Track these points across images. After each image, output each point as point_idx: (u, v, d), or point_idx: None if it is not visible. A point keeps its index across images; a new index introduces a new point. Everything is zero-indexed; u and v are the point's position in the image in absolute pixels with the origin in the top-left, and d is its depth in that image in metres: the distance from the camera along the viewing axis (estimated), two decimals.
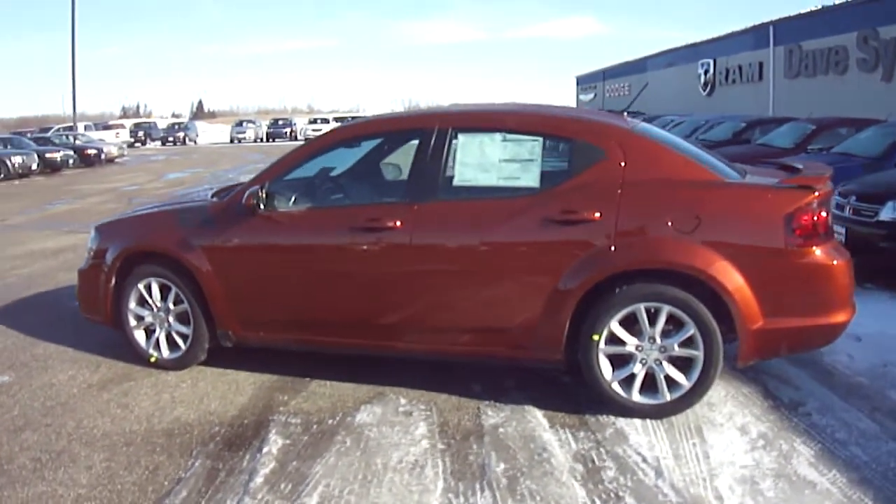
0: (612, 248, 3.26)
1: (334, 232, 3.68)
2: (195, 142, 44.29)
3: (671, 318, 3.27)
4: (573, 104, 43.71)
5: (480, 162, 3.57)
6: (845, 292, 3.28)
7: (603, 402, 3.43)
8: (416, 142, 3.67)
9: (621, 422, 3.34)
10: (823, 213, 3.25)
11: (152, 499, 2.81)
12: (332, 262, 3.72)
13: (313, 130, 38.35)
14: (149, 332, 4.21)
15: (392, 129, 3.86)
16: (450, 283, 3.54)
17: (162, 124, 50.55)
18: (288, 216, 3.78)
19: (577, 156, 3.48)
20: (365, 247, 3.61)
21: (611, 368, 3.37)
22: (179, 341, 4.12)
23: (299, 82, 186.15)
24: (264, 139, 42.81)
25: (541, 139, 3.52)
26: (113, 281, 4.18)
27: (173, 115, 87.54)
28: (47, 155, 21.73)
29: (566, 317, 3.35)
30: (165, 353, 4.16)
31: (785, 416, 3.38)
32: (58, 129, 35.59)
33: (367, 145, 4.19)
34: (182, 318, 4.08)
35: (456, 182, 3.57)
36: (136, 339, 4.21)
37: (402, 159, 4.15)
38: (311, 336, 3.88)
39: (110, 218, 4.84)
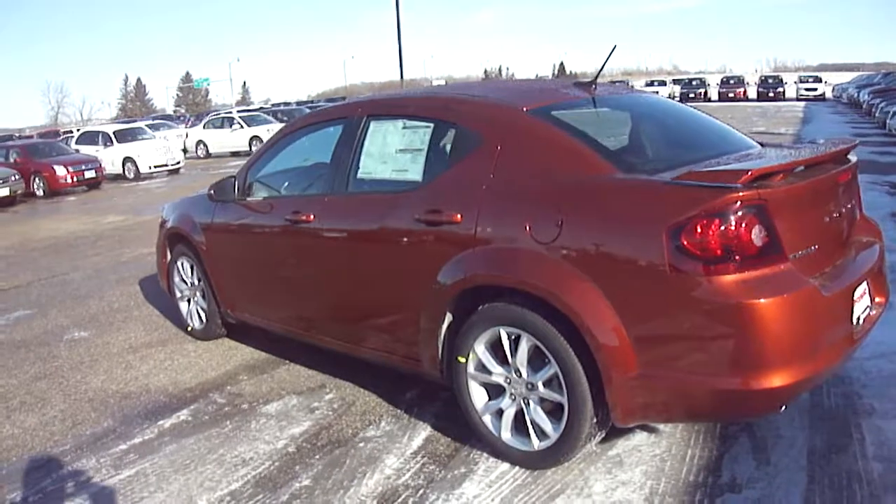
0: (470, 258, 2.89)
1: (272, 222, 3.94)
2: None
3: (539, 351, 2.77)
4: None
5: (381, 152, 3.45)
6: (777, 345, 2.36)
7: (477, 437, 3.09)
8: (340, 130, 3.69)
9: (490, 465, 2.99)
10: (746, 225, 2.36)
11: (64, 441, 3.51)
12: (271, 251, 4.01)
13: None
14: (188, 304, 5.01)
15: (328, 119, 3.88)
16: (348, 282, 3.53)
17: None
18: (249, 205, 4.15)
19: (457, 144, 3.12)
20: (289, 237, 3.80)
21: (486, 398, 3.01)
22: (203, 315, 4.83)
23: (662, 44, 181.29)
24: None
25: (432, 126, 3.23)
26: (167, 256, 5.06)
27: (535, 78, 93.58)
28: None
29: (437, 331, 3.09)
30: (196, 324, 4.93)
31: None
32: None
33: (320, 135, 4.27)
34: (204, 295, 4.78)
35: (360, 174, 3.50)
36: (180, 310, 5.06)
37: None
38: (270, 322, 4.22)
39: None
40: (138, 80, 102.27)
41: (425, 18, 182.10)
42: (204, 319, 4.83)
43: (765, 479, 2.72)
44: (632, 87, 4.78)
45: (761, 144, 3.42)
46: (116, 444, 3.46)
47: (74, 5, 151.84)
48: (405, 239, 3.15)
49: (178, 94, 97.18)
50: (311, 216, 3.61)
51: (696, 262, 2.36)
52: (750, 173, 2.38)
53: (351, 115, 3.64)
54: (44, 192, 16.49)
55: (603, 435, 2.83)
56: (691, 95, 39.35)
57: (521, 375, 2.84)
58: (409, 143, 3.31)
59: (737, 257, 2.36)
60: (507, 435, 2.93)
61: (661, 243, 2.40)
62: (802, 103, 34.31)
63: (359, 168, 3.50)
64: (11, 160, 16.78)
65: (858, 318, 2.74)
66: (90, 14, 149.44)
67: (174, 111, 71.76)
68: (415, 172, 3.22)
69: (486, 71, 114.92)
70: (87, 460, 3.32)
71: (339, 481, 2.94)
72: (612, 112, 3.40)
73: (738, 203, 2.36)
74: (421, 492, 2.82)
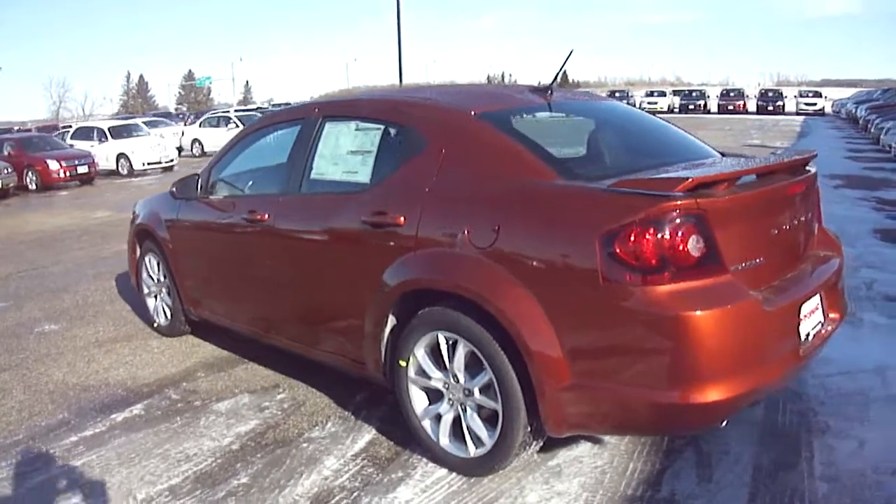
0: (411, 261, 2.93)
1: (231, 220, 3.98)
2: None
3: (476, 357, 2.80)
4: None
5: (334, 153, 3.50)
6: (713, 359, 2.34)
7: (417, 442, 3.13)
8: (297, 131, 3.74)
9: (427, 470, 3.02)
10: (682, 235, 2.35)
11: (17, 432, 3.58)
12: (229, 250, 4.06)
13: (649, 103, 38.47)
14: (155, 300, 5.05)
15: (288, 119, 3.93)
16: (298, 283, 3.58)
17: None
18: (211, 203, 4.20)
19: (404, 146, 3.16)
20: (245, 237, 3.85)
21: (426, 403, 3.06)
22: (168, 312, 4.88)
23: (664, 55, 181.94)
24: None
25: (382, 128, 3.28)
26: (136, 252, 5.11)
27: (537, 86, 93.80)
28: None
29: (381, 334, 3.13)
30: (162, 321, 4.97)
31: None
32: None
33: (280, 135, 4.32)
34: (169, 292, 4.82)
35: (313, 175, 3.55)
36: (147, 306, 5.10)
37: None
38: (229, 321, 4.27)
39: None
40: (140, 76, 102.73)
41: (428, 23, 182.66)
42: (169, 316, 4.88)
43: (705, 495, 2.71)
44: (592, 93, 4.82)
45: (722, 154, 3.44)
46: (68, 435, 3.51)
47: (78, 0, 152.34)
48: (351, 241, 3.20)
49: (180, 92, 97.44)
50: (266, 216, 3.66)
51: (630, 272, 2.35)
52: (687, 182, 2.35)
53: (308, 115, 3.70)
54: (36, 185, 16.55)
55: (539, 444, 2.84)
56: (691, 107, 39.46)
57: (458, 381, 2.88)
58: (361, 144, 3.36)
59: (672, 268, 2.34)
60: (445, 440, 2.97)
61: (594, 251, 2.40)
62: (801, 118, 34.39)
63: (312, 168, 3.54)
64: (5, 153, 16.85)
65: (808, 334, 2.73)
66: (93, 9, 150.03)
67: (176, 109, 71.93)
68: (364, 174, 3.27)
69: (488, 76, 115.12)
70: (37, 451, 3.36)
71: (277, 480, 2.98)
72: (567, 118, 3.44)
73: (675, 212, 2.34)
74: (355, 494, 2.86)
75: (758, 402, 3.14)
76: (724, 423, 2.63)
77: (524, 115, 3.21)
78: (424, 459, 3.09)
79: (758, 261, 2.60)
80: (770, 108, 37.77)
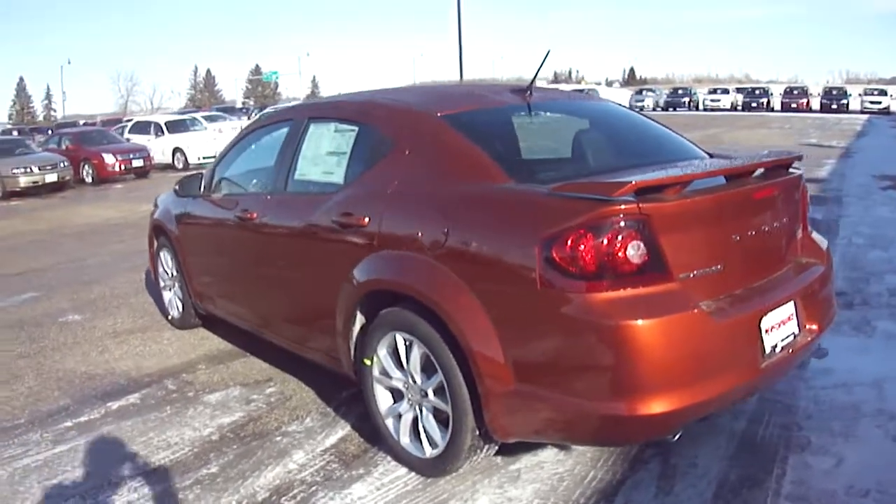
0: (372, 262, 3.01)
1: (227, 218, 4.13)
2: None
3: (430, 358, 2.85)
4: None
5: (315, 154, 3.60)
6: (653, 370, 2.30)
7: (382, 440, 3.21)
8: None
9: (388, 468, 3.09)
10: (622, 241, 2.30)
11: (20, 416, 3.82)
12: (226, 246, 4.21)
13: (712, 101, 37.82)
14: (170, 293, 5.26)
15: (281, 120, 4.02)
16: (283, 280, 3.69)
17: (566, 90, 53.92)
18: (213, 201, 4.36)
19: (373, 148, 3.23)
20: (238, 233, 3.99)
21: (390, 401, 3.13)
22: (181, 305, 5.09)
23: (733, 52, 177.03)
24: (663, 108, 42.79)
25: (356, 129, 3.36)
26: (154, 245, 5.34)
27: (605, 83, 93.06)
28: None
29: (349, 333, 3.22)
30: (175, 313, 5.19)
31: None
32: None
33: (275, 135, 4.43)
34: (181, 285, 5.02)
35: (297, 175, 3.66)
36: (163, 299, 5.32)
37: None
38: (228, 315, 4.43)
39: None
40: (208, 71, 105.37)
41: (496, 19, 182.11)
42: (181, 309, 5.08)
43: None
44: (580, 93, 4.79)
45: (710, 154, 3.38)
46: (64, 421, 3.72)
47: None
48: (324, 240, 3.29)
49: (247, 87, 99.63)
50: (255, 214, 3.79)
51: (568, 278, 2.33)
52: (628, 186, 2.30)
53: (297, 116, 3.81)
54: (92, 179, 17.29)
55: (492, 449, 2.86)
56: (753, 105, 38.55)
57: (415, 382, 2.94)
58: (337, 146, 3.45)
59: (611, 275, 2.30)
60: (405, 440, 3.03)
61: (533, 256, 2.38)
62: (865, 116, 33.00)
63: (297, 169, 3.65)
64: (63, 147, 17.67)
65: (774, 346, 2.65)
66: (162, 3, 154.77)
67: (243, 103, 73.68)
68: (338, 175, 3.35)
69: (555, 73, 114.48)
70: (32, 434, 3.58)
71: (243, 471, 3.10)
72: (544, 118, 3.42)
73: (614, 217, 2.29)
74: (313, 488, 2.95)
75: (709, 413, 2.92)
76: (675, 437, 2.61)
77: (495, 117, 3.21)
78: (388, 458, 3.15)
79: (714, 268, 2.53)
80: (834, 106, 36.53)
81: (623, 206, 2.30)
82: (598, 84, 73.62)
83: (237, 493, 2.94)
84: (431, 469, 2.94)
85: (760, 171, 2.86)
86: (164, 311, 5.38)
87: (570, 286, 2.34)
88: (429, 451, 2.92)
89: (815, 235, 3.28)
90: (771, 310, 2.65)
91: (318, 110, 3.81)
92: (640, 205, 2.32)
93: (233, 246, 4.11)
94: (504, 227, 2.57)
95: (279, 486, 2.98)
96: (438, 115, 3.07)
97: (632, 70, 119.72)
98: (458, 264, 2.65)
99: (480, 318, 2.56)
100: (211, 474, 3.10)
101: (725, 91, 42.72)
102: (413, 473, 3.01)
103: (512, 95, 3.39)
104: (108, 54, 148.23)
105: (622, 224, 2.31)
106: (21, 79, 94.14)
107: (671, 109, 41.31)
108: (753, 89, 43.03)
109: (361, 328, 3.17)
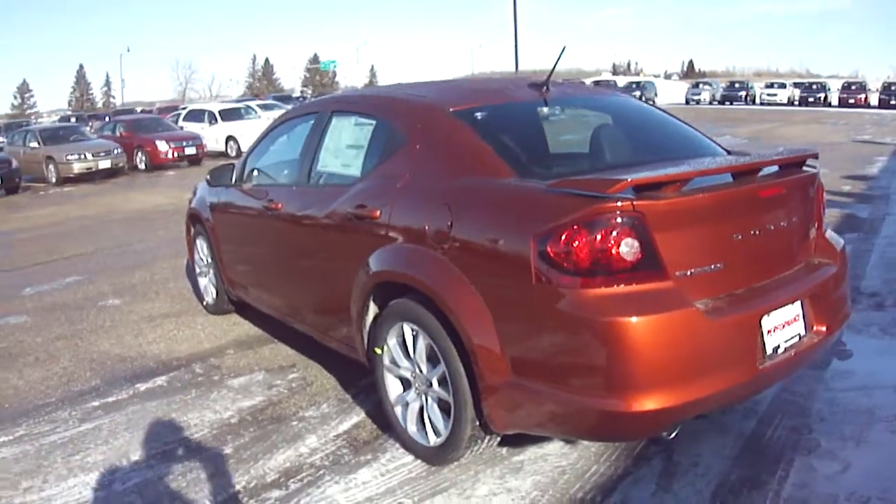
0: (382, 254, 3.08)
1: (255, 207, 4.26)
2: (653, 101, 45.51)
3: (434, 349, 2.91)
4: None
5: (336, 147, 3.69)
6: (645, 367, 2.31)
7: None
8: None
9: (395, 455, 3.17)
10: (616, 238, 2.31)
11: (53, 395, 4.02)
12: (254, 235, 4.36)
13: (769, 95, 37.11)
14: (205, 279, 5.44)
15: (307, 112, 4.11)
16: (304, 270, 3.80)
17: (621, 83, 53.06)
18: (243, 190, 4.50)
19: (388, 141, 3.30)
20: (265, 223, 4.12)
21: (400, 390, 3.20)
22: (215, 291, 5.26)
23: (794, 46, 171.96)
24: (720, 101, 41.85)
25: (374, 123, 3.44)
26: (190, 233, 5.52)
27: (664, 76, 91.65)
28: None
29: (363, 322, 3.30)
30: (210, 299, 5.36)
31: None
32: None
33: (302, 126, 4.53)
34: (215, 272, 5.18)
35: (319, 167, 3.76)
36: (199, 285, 5.50)
37: None
38: (256, 302, 4.57)
39: None
40: (266, 59, 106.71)
41: (556, 11, 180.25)
42: (215, 295, 5.25)
43: None
44: (600, 88, 4.78)
45: (728, 152, 3.35)
46: (92, 400, 3.90)
47: None
48: (341, 232, 3.39)
49: (305, 75, 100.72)
50: (280, 204, 3.91)
51: (562, 274, 2.35)
52: (623, 183, 2.31)
53: (321, 109, 3.91)
54: (146, 165, 17.84)
55: (493, 440, 2.91)
56: (810, 100, 37.52)
57: (421, 371, 3.00)
58: (356, 139, 3.55)
59: (604, 271, 2.32)
60: (412, 428, 3.10)
61: (528, 251, 2.42)
62: None
63: (319, 161, 3.75)
64: (118, 134, 18.26)
65: (777, 347, 2.64)
66: None
67: (301, 91, 74.62)
68: (356, 168, 3.45)
69: (614, 65, 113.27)
70: (61, 412, 3.77)
71: (255, 454, 3.22)
72: (558, 114, 3.43)
73: (608, 214, 2.31)
74: (321, 472, 3.05)
75: (706, 412, 2.89)
76: (671, 435, 2.62)
77: (508, 112, 3.24)
78: (397, 445, 3.23)
79: (713, 267, 2.51)
80: (893, 102, 35.17)
81: (616, 204, 2.32)
82: (657, 76, 72.63)
83: (248, 475, 3.05)
84: (435, 457, 3.00)
85: (773, 168, 2.83)
86: (199, 297, 5.56)
87: (564, 282, 2.36)
88: (433, 440, 2.99)
89: (831, 235, 3.21)
90: (774, 310, 2.63)
91: (341, 104, 3.91)
92: (635, 202, 2.33)
93: (261, 235, 4.24)
94: (502, 222, 2.61)
95: (288, 469, 3.08)
96: (451, 110, 3.12)
97: (691, 63, 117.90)
98: (460, 257, 2.70)
99: (480, 311, 2.61)
100: (224, 455, 3.22)
101: (782, 85, 41.65)
102: (419, 461, 3.08)
103: (529, 91, 3.41)
104: (167, 42, 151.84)
105: (616, 221, 2.32)
106: (81, 66, 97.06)
107: (727, 103, 40.35)
108: (811, 84, 41.81)
109: (374, 318, 3.24)
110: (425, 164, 3.03)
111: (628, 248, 2.33)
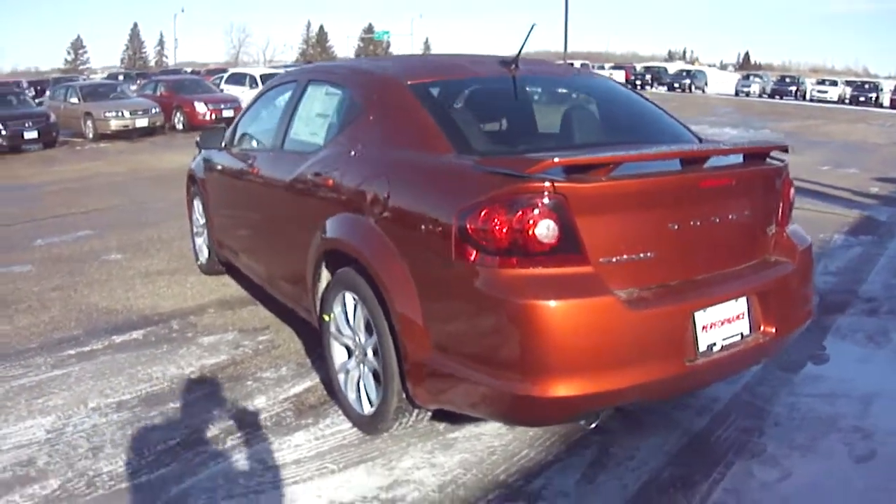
0: (331, 222, 3.12)
1: (239, 171, 4.34)
2: (703, 90, 44.45)
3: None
4: None
5: (307, 115, 3.73)
6: (556, 353, 2.27)
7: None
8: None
9: (335, 421, 3.22)
10: (533, 219, 2.27)
11: (35, 341, 4.19)
12: (237, 198, 4.44)
13: (819, 91, 36.10)
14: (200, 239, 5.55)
15: (289, 80, 4.15)
16: (272, 234, 3.87)
17: (672, 70, 51.87)
18: (231, 154, 4.58)
19: (348, 111, 3.34)
20: (244, 185, 4.21)
21: (345, 357, 3.24)
22: (207, 251, 5.37)
23: (852, 44, 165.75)
24: (769, 95, 40.70)
25: (340, 93, 3.47)
26: (189, 192, 5.64)
27: (720, 66, 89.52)
28: None
29: (315, 289, 3.35)
30: (203, 259, 5.49)
31: None
32: None
33: (285, 94, 4.55)
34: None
35: (291, 134, 3.80)
36: (195, 244, 5.62)
37: None
38: (238, 264, 4.66)
39: None
40: (321, 27, 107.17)
41: None
42: (207, 255, 5.36)
43: (575, 495, 2.63)
44: (575, 68, 4.72)
45: (699, 139, 3.28)
46: (69, 349, 4.05)
47: None
48: (301, 198, 3.44)
49: (359, 44, 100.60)
50: (257, 169, 3.97)
51: (480, 252, 2.34)
52: (545, 163, 2.27)
53: (300, 78, 3.95)
54: (184, 126, 18.14)
55: (422, 413, 2.93)
56: (861, 99, 36.26)
57: (360, 341, 3.04)
58: (325, 108, 3.60)
59: (522, 252, 2.29)
60: (352, 395, 3.14)
61: (450, 226, 2.42)
62: None
63: (292, 128, 3.80)
64: (158, 94, 18.60)
65: (712, 345, 2.55)
66: None
67: None
68: (320, 136, 3.49)
69: (669, 52, 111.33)
70: (38, 358, 3.92)
71: (202, 409, 3.31)
72: (522, 92, 3.35)
73: (527, 194, 2.28)
74: (259, 432, 3.12)
75: (624, 403, 2.70)
76: (591, 425, 2.61)
77: (466, 87, 3.20)
78: (339, 412, 3.28)
79: (642, 256, 2.44)
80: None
81: (536, 184, 2.28)
82: (712, 66, 70.95)
83: (189, 429, 3.14)
84: (368, 426, 3.04)
85: (737, 158, 2.75)
86: (196, 257, 5.69)
87: (481, 260, 2.35)
88: (366, 409, 3.03)
89: (796, 232, 3.07)
90: (710, 305, 2.55)
91: (317, 73, 3.94)
92: (556, 184, 2.29)
93: (242, 199, 4.32)
94: (430, 197, 2.63)
95: (229, 428, 3.16)
96: (408, 83, 3.11)
97: (747, 55, 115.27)
98: (392, 229, 2.73)
99: (406, 283, 2.63)
100: (174, 409, 3.32)
101: (834, 83, 40.27)
102: (354, 429, 3.12)
103: (496, 67, 3.37)
104: (223, 4, 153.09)
105: (535, 201, 2.28)
106: (135, 24, 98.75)
107: (777, 97, 39.27)
108: (863, 83, 40.35)
109: (326, 285, 3.28)
110: (374, 135, 3.06)
111: (547, 230, 2.29)
